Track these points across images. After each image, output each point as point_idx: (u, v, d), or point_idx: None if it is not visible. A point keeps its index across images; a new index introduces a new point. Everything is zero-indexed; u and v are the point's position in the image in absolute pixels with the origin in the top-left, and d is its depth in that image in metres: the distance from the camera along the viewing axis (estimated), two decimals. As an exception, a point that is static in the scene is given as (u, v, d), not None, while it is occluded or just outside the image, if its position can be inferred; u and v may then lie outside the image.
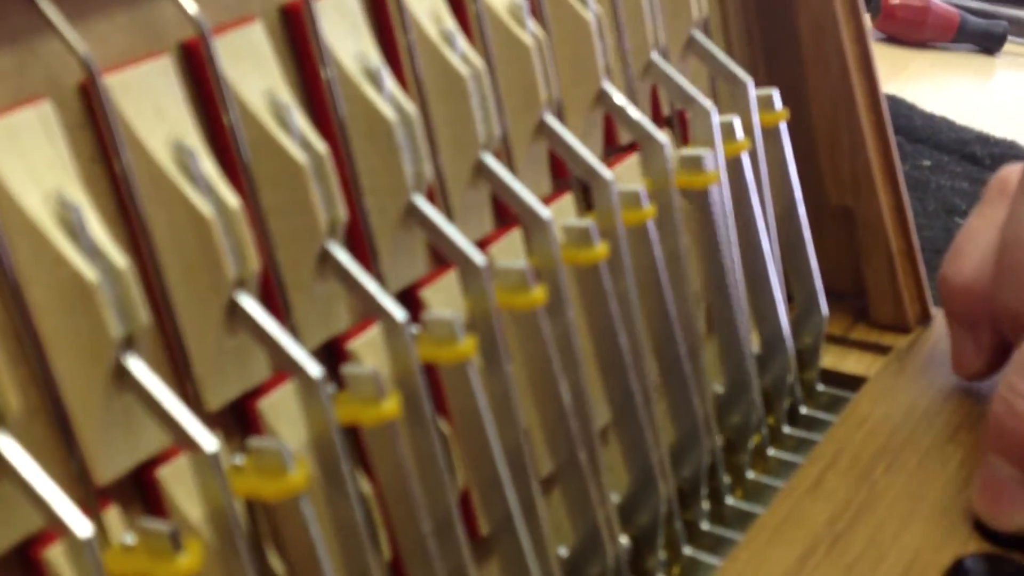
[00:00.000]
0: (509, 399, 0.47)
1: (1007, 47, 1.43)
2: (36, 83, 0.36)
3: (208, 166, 0.39)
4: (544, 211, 0.49)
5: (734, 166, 0.60)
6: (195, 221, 0.38)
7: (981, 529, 0.56)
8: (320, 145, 0.41)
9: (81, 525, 0.34)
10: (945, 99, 1.30)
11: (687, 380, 0.58)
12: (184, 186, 0.38)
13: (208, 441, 0.36)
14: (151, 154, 0.37)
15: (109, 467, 0.38)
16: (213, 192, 0.38)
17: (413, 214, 0.46)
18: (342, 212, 0.43)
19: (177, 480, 0.40)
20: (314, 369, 0.39)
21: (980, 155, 1.19)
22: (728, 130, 0.59)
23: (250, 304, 0.39)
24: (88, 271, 0.35)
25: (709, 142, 0.59)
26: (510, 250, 0.52)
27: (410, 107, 0.45)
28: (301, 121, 0.41)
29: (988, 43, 1.43)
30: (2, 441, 0.33)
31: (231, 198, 0.38)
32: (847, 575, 0.55)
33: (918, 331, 0.72)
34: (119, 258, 0.36)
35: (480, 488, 0.48)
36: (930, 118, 1.24)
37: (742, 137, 0.60)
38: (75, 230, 0.35)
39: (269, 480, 0.38)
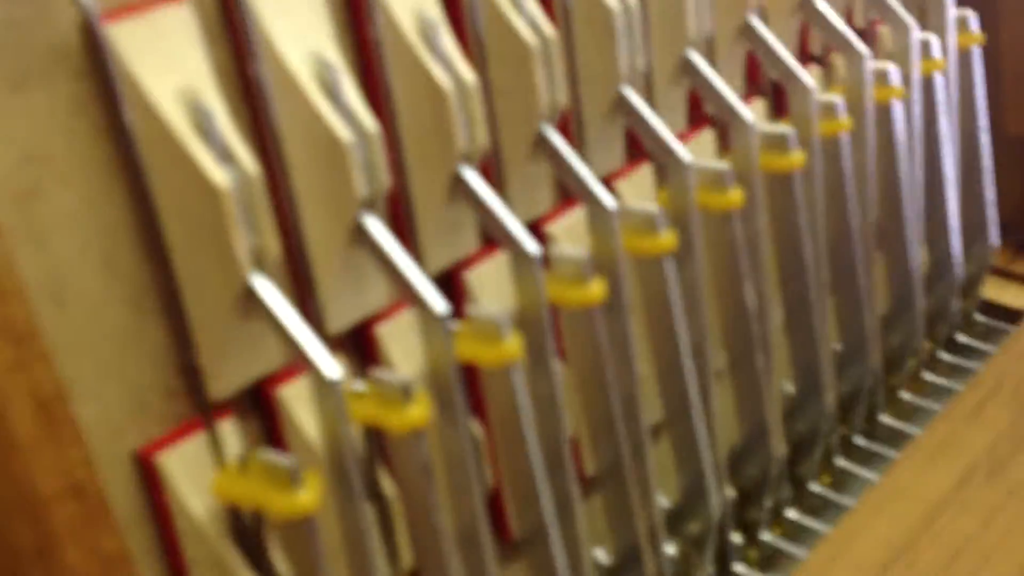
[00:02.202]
0: (627, 347, 0.46)
1: None
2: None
3: (448, 41, 0.39)
4: (747, 113, 0.49)
5: (926, 85, 0.60)
6: (433, 92, 0.39)
7: None
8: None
9: (330, 366, 0.35)
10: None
11: (860, 291, 0.58)
12: (426, 58, 0.39)
13: (438, 303, 0.38)
14: (398, 24, 0.38)
15: (340, 318, 0.40)
16: (452, 67, 0.39)
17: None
18: (561, 98, 0.43)
19: (393, 338, 0.42)
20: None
21: None
22: (925, 48, 0.59)
23: (474, 179, 0.41)
24: (343, 131, 0.36)
25: (905, 58, 0.58)
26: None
27: (551, 33, 0.43)
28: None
29: None
30: (260, 282, 0.35)
31: (468, 73, 0.39)
32: (1008, 500, 0.56)
33: (1085, 269, 0.72)
34: (370, 121, 0.37)
35: (592, 428, 0.48)
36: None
37: (938, 56, 0.59)
38: (333, 91, 0.36)
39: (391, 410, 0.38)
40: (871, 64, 0.55)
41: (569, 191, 0.46)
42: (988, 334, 0.70)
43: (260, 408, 0.39)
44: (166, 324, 0.36)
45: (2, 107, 0.31)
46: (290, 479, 0.35)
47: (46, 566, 0.27)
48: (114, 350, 0.35)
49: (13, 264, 0.25)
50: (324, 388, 0.36)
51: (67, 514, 0.27)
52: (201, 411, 0.37)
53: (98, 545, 0.28)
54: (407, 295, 0.39)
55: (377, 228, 0.38)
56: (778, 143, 0.51)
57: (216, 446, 0.37)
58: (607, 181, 0.49)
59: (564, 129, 0.46)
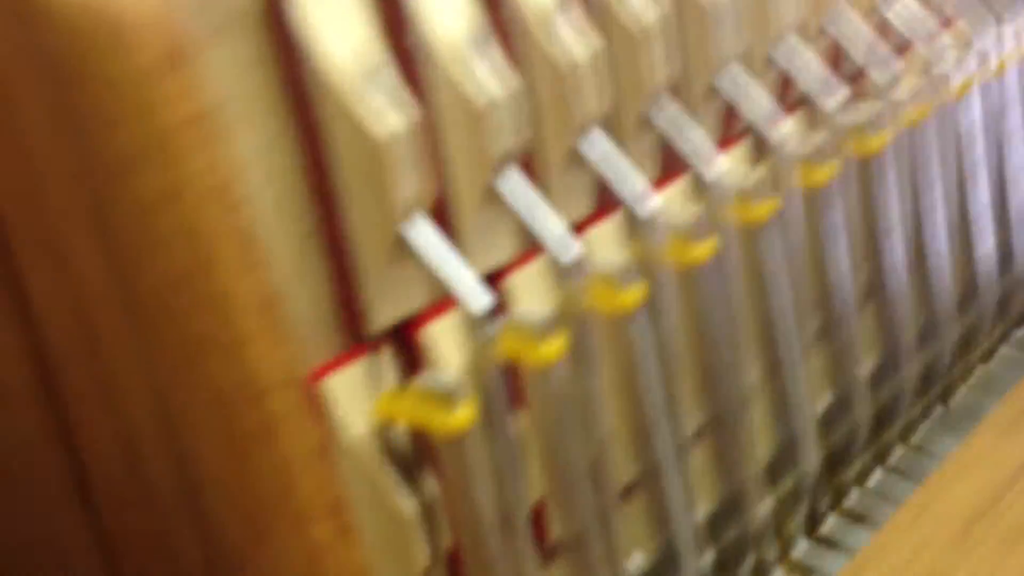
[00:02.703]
0: (668, 349, 0.48)
1: None
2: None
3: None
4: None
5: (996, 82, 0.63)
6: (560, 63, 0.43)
7: None
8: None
9: (481, 299, 0.39)
10: None
11: (941, 270, 0.61)
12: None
13: (572, 248, 0.42)
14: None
15: (478, 265, 0.44)
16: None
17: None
18: (604, 104, 0.46)
19: (523, 287, 0.46)
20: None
21: None
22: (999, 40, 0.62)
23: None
24: (485, 92, 0.40)
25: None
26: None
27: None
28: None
29: None
30: (416, 227, 0.39)
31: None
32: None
33: None
34: (511, 81, 0.41)
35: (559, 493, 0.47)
36: None
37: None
38: (477, 55, 0.40)
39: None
40: (949, 53, 0.59)
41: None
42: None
43: (403, 346, 0.43)
44: (330, 262, 0.40)
45: (206, 45, 0.35)
46: (451, 399, 0.39)
47: (268, 448, 0.31)
48: (284, 285, 0.38)
49: (235, 171, 0.29)
50: (474, 320, 0.40)
51: (283, 402, 0.31)
52: (360, 342, 0.41)
53: (307, 434, 0.32)
54: (541, 243, 0.43)
55: (517, 180, 0.42)
56: (866, 127, 0.55)
57: (374, 373, 0.41)
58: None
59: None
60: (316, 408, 0.32)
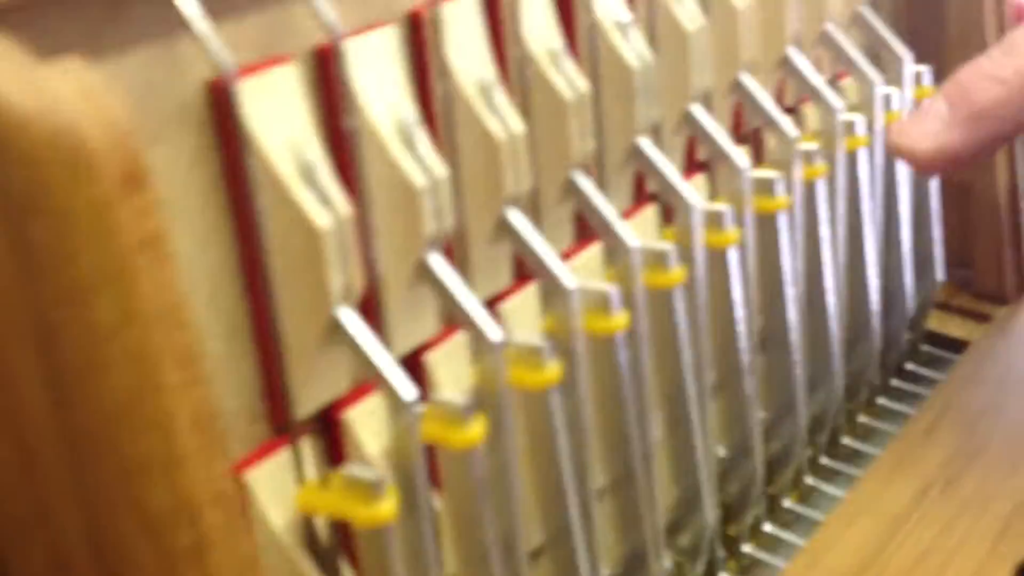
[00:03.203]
0: (580, 420, 0.48)
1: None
2: (378, 10, 0.41)
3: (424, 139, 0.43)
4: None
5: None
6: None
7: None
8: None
9: (407, 387, 0.39)
10: None
11: (828, 321, 0.64)
12: (484, 113, 0.43)
13: (494, 331, 0.42)
14: (462, 86, 0.43)
15: (401, 345, 0.44)
16: (503, 118, 0.44)
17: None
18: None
19: (441, 363, 0.46)
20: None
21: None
22: (887, 101, 0.65)
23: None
24: (417, 177, 0.40)
25: (869, 109, 0.64)
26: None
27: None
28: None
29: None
30: (347, 314, 0.39)
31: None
32: (962, 511, 0.62)
33: (1015, 302, 0.78)
34: (440, 168, 0.41)
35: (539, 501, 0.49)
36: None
37: (897, 109, 0.65)
38: (410, 142, 0.40)
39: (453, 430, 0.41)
40: (841, 115, 0.61)
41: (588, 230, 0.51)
42: (933, 362, 0.76)
43: (324, 430, 0.43)
44: (257, 353, 0.39)
45: None
46: (374, 491, 0.38)
47: (201, 567, 0.31)
48: (210, 378, 0.38)
49: (180, 288, 0.29)
50: (400, 407, 0.40)
51: (217, 518, 0.31)
52: (283, 431, 0.40)
53: (239, 548, 0.32)
54: (463, 321, 0.43)
55: (439, 263, 0.42)
56: (766, 185, 0.57)
57: (297, 463, 0.40)
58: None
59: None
60: (245, 522, 0.31)
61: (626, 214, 0.55)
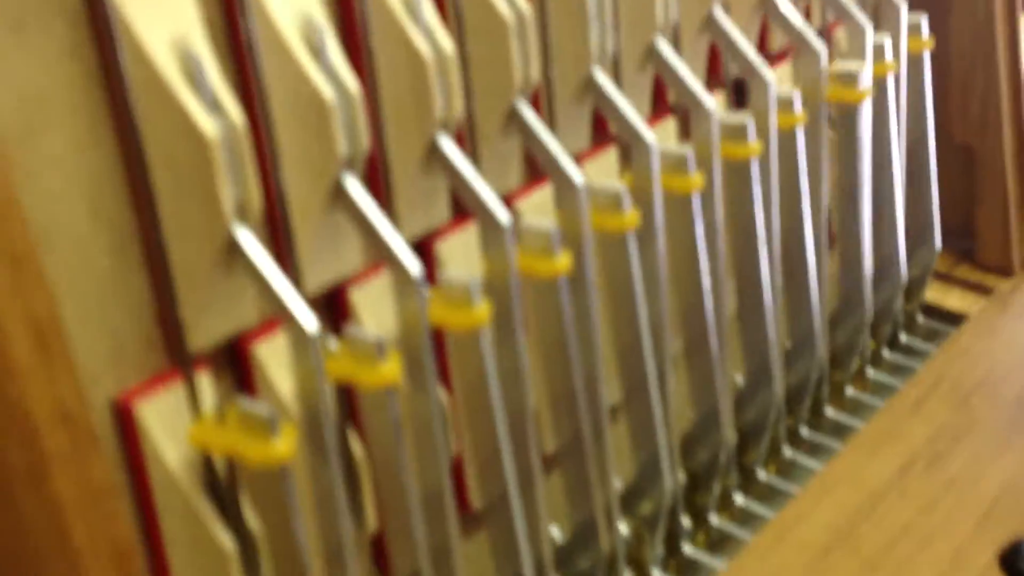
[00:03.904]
0: (590, 323, 0.47)
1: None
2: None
3: (430, 11, 0.40)
4: (708, 101, 0.51)
5: (878, 86, 0.62)
6: (414, 60, 0.40)
7: (1078, 461, 0.59)
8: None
9: (309, 320, 0.36)
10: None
11: (810, 287, 0.60)
12: (409, 27, 0.40)
13: (413, 265, 0.39)
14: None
15: (316, 278, 0.40)
16: (432, 37, 0.40)
17: (591, 88, 0.48)
18: (535, 73, 0.44)
19: (365, 301, 0.42)
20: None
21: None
22: (879, 51, 0.61)
23: (449, 147, 0.41)
24: (326, 90, 0.37)
25: (860, 58, 0.60)
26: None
27: (527, 10, 0.44)
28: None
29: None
30: (244, 235, 0.35)
31: (446, 43, 0.40)
32: (945, 490, 0.58)
33: (1021, 275, 0.74)
34: (353, 83, 0.37)
35: (553, 403, 0.48)
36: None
37: (891, 59, 0.61)
38: (319, 51, 0.37)
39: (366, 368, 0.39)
40: (825, 61, 0.57)
41: (539, 168, 0.47)
42: (930, 335, 0.72)
43: (234, 364, 0.40)
44: (148, 273, 0.36)
45: (1, 48, 0.31)
46: (268, 428, 0.35)
47: (36, 490, 0.28)
48: (96, 295, 0.35)
49: (12, 185, 0.26)
50: (302, 342, 0.36)
51: (58, 441, 0.28)
52: (179, 362, 0.37)
53: (87, 474, 0.28)
54: (384, 256, 0.39)
55: (356, 189, 0.39)
56: (737, 133, 0.53)
57: (193, 397, 0.37)
58: (575, 161, 0.50)
59: (535, 106, 0.47)
60: (97, 447, 0.28)
61: (582, 156, 0.51)
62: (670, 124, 0.55)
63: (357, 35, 0.40)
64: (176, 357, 0.37)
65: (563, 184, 0.46)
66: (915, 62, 0.64)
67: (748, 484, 0.61)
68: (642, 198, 0.49)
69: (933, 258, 0.70)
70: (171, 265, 0.36)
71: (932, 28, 0.65)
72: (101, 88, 0.34)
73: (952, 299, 0.74)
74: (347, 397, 0.41)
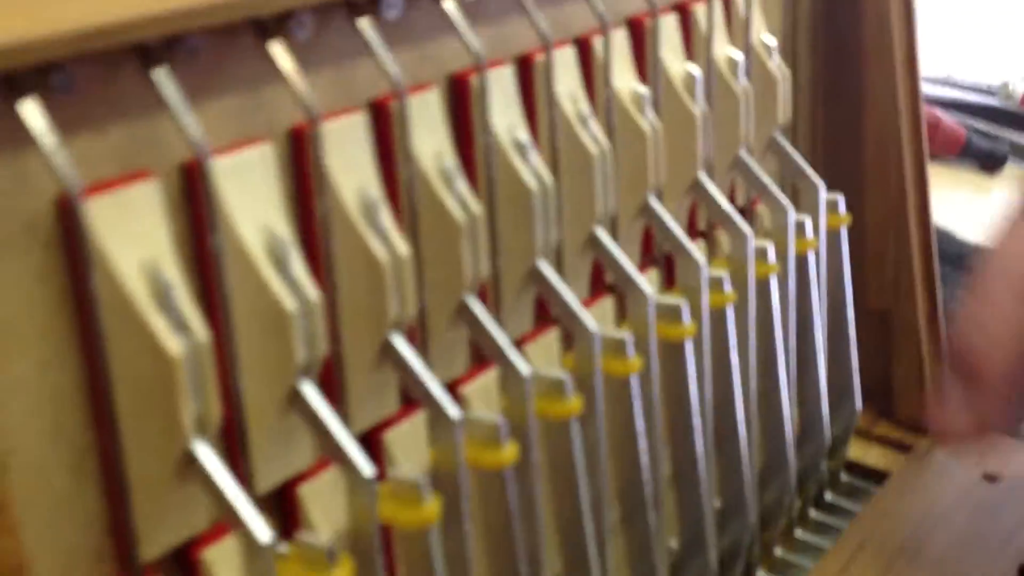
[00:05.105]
0: (534, 505, 0.48)
1: (1006, 169, 1.50)
2: (258, 125, 0.40)
3: (387, 216, 0.42)
4: (645, 286, 0.53)
5: (800, 261, 0.65)
6: (371, 264, 0.41)
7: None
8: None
9: (262, 529, 0.37)
10: (948, 212, 1.36)
11: (740, 451, 0.62)
12: (367, 233, 0.41)
13: (366, 466, 0.40)
14: (343, 200, 0.41)
15: (268, 479, 0.41)
16: (388, 240, 0.42)
17: (536, 277, 0.50)
18: (483, 269, 0.46)
19: (314, 498, 0.43)
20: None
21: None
22: (800, 228, 0.64)
23: (402, 344, 0.43)
24: (288, 301, 0.38)
25: (782, 236, 0.63)
26: (601, 317, 0.56)
27: (548, 179, 0.48)
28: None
29: (990, 163, 1.50)
30: (201, 448, 0.36)
31: (402, 246, 0.42)
32: (875, 657, 0.59)
33: (937, 433, 0.77)
34: (313, 292, 0.39)
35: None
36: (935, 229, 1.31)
37: (811, 236, 0.64)
38: (282, 262, 0.38)
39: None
40: (753, 242, 0.60)
41: (483, 354, 0.49)
42: (854, 493, 0.74)
43: (182, 570, 0.40)
44: (103, 487, 0.37)
45: None
46: (326, 558, 0.36)
47: None
48: (51, 515, 0.35)
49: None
50: (255, 551, 0.37)
51: None
52: (128, 573, 0.37)
53: None
54: (336, 457, 0.40)
55: (312, 394, 0.40)
56: (672, 313, 0.55)
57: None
58: (517, 344, 0.52)
59: (483, 297, 0.48)
60: None
61: (525, 338, 0.53)
62: (607, 303, 0.57)
63: (317, 243, 0.41)
64: (126, 568, 0.37)
65: (510, 373, 0.47)
66: (833, 236, 0.68)
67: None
68: (584, 379, 0.51)
69: (855, 417, 0.73)
70: (127, 478, 0.36)
71: (847, 203, 0.69)
72: (70, 311, 0.35)
73: (873, 456, 0.76)
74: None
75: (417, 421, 0.47)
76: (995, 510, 0.69)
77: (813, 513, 0.72)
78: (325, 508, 0.43)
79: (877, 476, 0.74)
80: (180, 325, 0.35)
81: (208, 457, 0.36)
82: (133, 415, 0.35)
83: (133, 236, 0.35)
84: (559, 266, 0.53)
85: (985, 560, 0.65)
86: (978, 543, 0.67)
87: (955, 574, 0.65)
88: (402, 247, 0.42)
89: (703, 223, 0.65)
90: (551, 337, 0.54)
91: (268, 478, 0.41)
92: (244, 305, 0.38)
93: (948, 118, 1.54)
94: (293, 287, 0.38)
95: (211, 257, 0.37)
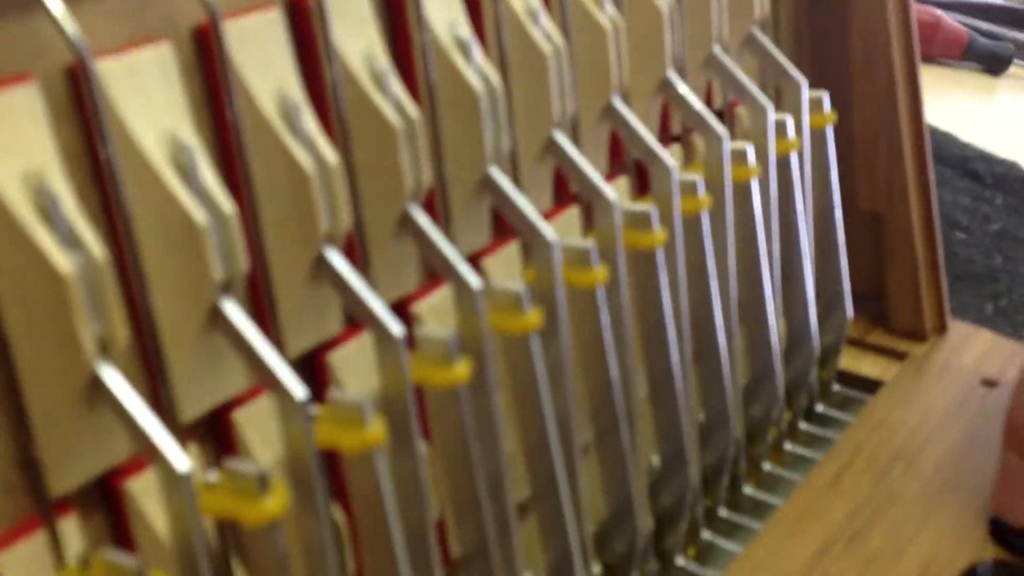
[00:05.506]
0: (493, 426, 0.47)
1: (1011, 70, 1.45)
2: (154, 24, 0.36)
3: (310, 121, 0.39)
4: (610, 192, 0.50)
5: (782, 163, 0.61)
6: (294, 174, 0.38)
7: (996, 535, 0.58)
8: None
9: (179, 458, 0.34)
10: (950, 115, 1.32)
11: (721, 363, 0.59)
12: (287, 139, 0.38)
13: (297, 388, 0.37)
14: (258, 105, 0.38)
15: (194, 405, 0.38)
16: (313, 147, 0.39)
17: (488, 186, 0.47)
18: (426, 178, 0.43)
19: (250, 423, 0.41)
20: (395, 328, 0.40)
21: (982, 173, 1.21)
22: (781, 128, 0.61)
23: (337, 259, 0.40)
24: (197, 213, 0.35)
25: (762, 138, 0.60)
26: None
27: (496, 80, 0.45)
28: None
29: (994, 64, 1.45)
30: (107, 372, 0.34)
31: (330, 154, 0.39)
32: (866, 570, 0.57)
33: (934, 340, 0.74)
34: (227, 203, 0.36)
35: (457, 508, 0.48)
36: (935, 132, 1.26)
37: (793, 136, 0.61)
38: (187, 172, 0.35)
39: (348, 432, 0.39)
40: (728, 144, 0.57)
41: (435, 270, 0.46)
42: (846, 404, 0.72)
43: (106, 503, 0.38)
44: (3, 416, 0.34)
45: None
46: (258, 486, 0.34)
47: None
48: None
49: None
50: (173, 481, 0.34)
51: None
52: (40, 508, 0.35)
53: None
54: (266, 380, 0.38)
55: (234, 312, 0.37)
56: (641, 221, 0.52)
57: (56, 546, 0.35)
58: (474, 259, 0.49)
59: (430, 208, 0.46)
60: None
61: (483, 252, 0.50)
62: (573, 214, 0.54)
63: (232, 150, 0.38)
64: (37, 503, 0.35)
65: (461, 288, 0.44)
66: (817, 136, 0.64)
67: (667, 573, 0.59)
68: (545, 293, 0.48)
69: (845, 325, 0.70)
70: (29, 406, 0.34)
71: (834, 99, 0.65)
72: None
73: (866, 365, 0.73)
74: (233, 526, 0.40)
75: (365, 340, 0.44)
76: (995, 415, 0.66)
77: (804, 425, 0.69)
78: (264, 435, 0.41)
79: (870, 386, 0.71)
80: (71, 241, 0.32)
81: (116, 381, 0.33)
82: (27, 339, 0.33)
83: (12, 144, 0.32)
84: (515, 174, 0.50)
85: (985, 466, 0.62)
86: (978, 449, 0.64)
87: (953, 482, 0.62)
88: (329, 154, 0.39)
89: (678, 128, 0.61)
90: (512, 250, 0.51)
91: (194, 404, 0.38)
92: (149, 219, 0.35)
93: (949, 18, 1.48)
94: (204, 198, 0.35)
95: (105, 169, 0.34)
